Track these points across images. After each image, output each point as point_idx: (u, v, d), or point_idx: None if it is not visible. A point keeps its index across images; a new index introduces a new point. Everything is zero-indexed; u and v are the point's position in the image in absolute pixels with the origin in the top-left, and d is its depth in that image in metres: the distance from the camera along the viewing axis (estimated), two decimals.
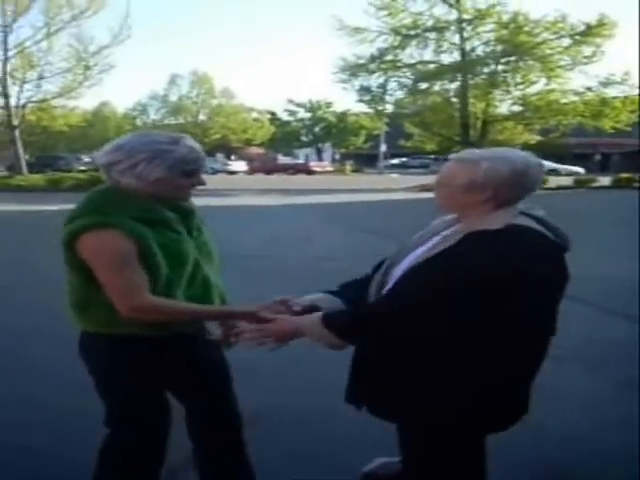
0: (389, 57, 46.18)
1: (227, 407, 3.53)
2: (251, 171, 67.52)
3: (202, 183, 3.14)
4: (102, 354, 3.20)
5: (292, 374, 6.05)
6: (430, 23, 45.04)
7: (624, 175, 42.45)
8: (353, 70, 46.79)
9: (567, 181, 40.40)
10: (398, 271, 2.94)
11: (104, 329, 3.11)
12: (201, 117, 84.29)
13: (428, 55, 46.22)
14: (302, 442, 4.75)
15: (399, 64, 46.47)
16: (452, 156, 2.92)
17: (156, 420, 3.34)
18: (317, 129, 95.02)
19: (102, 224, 2.93)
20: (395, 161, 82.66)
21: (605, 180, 41.38)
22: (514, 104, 47.02)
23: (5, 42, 44.67)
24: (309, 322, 2.89)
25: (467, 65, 44.37)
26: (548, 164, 57.76)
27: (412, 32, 44.95)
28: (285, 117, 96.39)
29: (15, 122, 45.86)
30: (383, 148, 72.41)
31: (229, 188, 36.63)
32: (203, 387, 3.43)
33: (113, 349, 3.14)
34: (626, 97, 43.37)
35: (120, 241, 2.91)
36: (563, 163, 62.22)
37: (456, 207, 2.88)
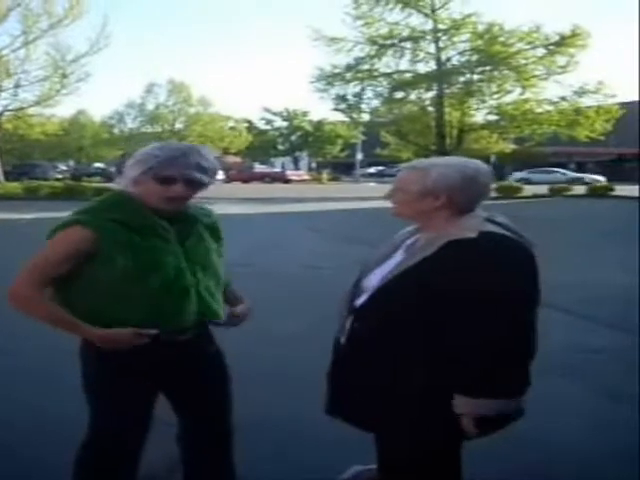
0: (365, 66, 46.31)
1: (218, 415, 3.52)
2: (228, 180, 67.34)
3: (180, 195, 3.09)
4: (84, 358, 3.27)
5: (270, 378, 6.12)
6: (406, 33, 45.23)
7: (599, 184, 42.80)
8: (330, 79, 46.87)
9: (542, 190, 40.57)
10: (371, 282, 3.00)
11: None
12: (178, 125, 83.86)
13: (404, 64, 46.47)
14: (288, 448, 4.78)
15: (375, 73, 46.61)
16: (404, 165, 3.05)
17: (129, 427, 3.31)
18: (294, 138, 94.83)
19: (72, 222, 3.04)
20: (371, 170, 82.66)
21: (580, 189, 41.60)
22: (489, 113, 47.28)
23: None
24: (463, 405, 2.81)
25: (443, 74, 44.57)
26: (572, 174, 58.13)
27: (388, 42, 45.12)
28: (262, 126, 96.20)
29: None
30: (360, 157, 72.44)
31: (206, 196, 36.39)
32: (191, 394, 3.45)
33: (90, 353, 3.20)
34: (600, 106, 43.72)
35: (74, 236, 3.00)
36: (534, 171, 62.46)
37: (411, 213, 2.96)
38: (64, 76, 46.18)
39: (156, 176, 3.03)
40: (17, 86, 46.53)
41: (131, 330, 3.01)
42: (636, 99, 45.93)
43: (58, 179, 46.57)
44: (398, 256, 3.02)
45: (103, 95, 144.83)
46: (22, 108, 48.05)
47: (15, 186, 38.45)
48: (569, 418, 5.41)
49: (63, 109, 78.60)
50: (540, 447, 4.81)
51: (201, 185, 3.14)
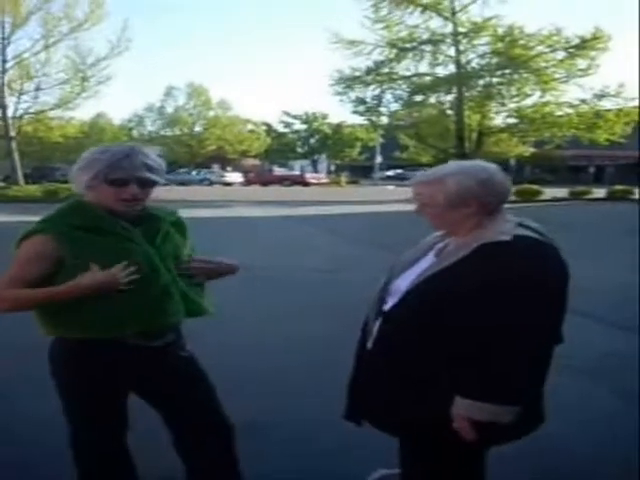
0: (385, 70, 46.16)
1: (203, 417, 3.52)
2: (247, 182, 67.40)
3: (135, 196, 3.14)
4: (53, 358, 3.34)
5: (288, 384, 6.08)
6: (426, 36, 45.05)
7: (618, 187, 42.51)
8: (349, 82, 46.78)
9: (562, 193, 40.41)
10: (399, 286, 2.98)
11: (50, 334, 3.27)
12: (197, 128, 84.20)
13: (424, 68, 46.28)
14: (300, 455, 4.75)
15: (395, 76, 46.46)
16: (414, 180, 3.00)
17: (101, 426, 3.40)
18: (312, 141, 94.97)
19: (37, 231, 3.10)
20: (390, 173, 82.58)
21: (600, 192, 41.39)
22: (509, 116, 47.06)
23: (3, 54, 44.81)
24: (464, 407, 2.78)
25: (462, 78, 44.37)
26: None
27: (408, 45, 44.95)
28: (281, 129, 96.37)
29: (12, 133, 45.87)
30: (379, 160, 72.39)
31: (225, 199, 36.63)
32: (169, 396, 3.46)
33: (61, 353, 3.29)
34: (620, 109, 43.43)
35: (38, 245, 3.07)
36: (556, 175, 62.24)
37: (447, 224, 2.94)
38: (84, 79, 46.37)
39: (107, 179, 3.08)
40: (37, 89, 46.79)
41: (106, 272, 3.02)
42: None
43: None
44: (428, 259, 3.01)
45: (123, 98, 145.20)
46: (42, 111, 48.25)
47: (34, 189, 38.64)
48: (588, 421, 5.37)
49: (83, 112, 79.17)
50: (556, 450, 4.74)
51: (152, 184, 3.19)
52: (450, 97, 46.37)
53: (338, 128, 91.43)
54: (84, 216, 3.15)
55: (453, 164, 3.01)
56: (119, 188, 3.10)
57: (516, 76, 44.08)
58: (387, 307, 2.99)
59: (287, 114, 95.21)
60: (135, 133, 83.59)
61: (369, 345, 3.04)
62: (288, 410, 5.50)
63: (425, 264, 2.96)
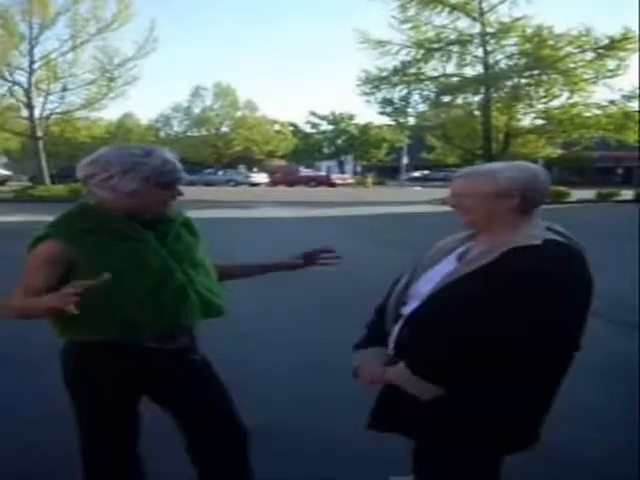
0: (412, 70, 46.02)
1: (217, 422, 3.46)
2: (273, 183, 67.57)
3: (180, 194, 3.17)
4: (66, 361, 3.31)
5: (303, 386, 6.05)
6: (453, 36, 44.89)
7: None
8: (376, 83, 46.69)
9: (590, 194, 40.16)
10: (421, 290, 2.94)
11: (64, 337, 3.25)
12: (224, 129, 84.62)
13: (451, 68, 46.09)
14: (304, 463, 4.71)
15: (422, 77, 46.31)
16: (463, 172, 3.00)
17: (111, 430, 3.35)
18: (339, 141, 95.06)
19: (46, 236, 3.08)
20: (417, 174, 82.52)
21: (628, 194, 41.08)
22: (537, 118, 46.81)
23: (31, 54, 45.11)
24: (395, 372, 2.86)
25: (490, 78, 44.19)
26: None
27: (435, 45, 44.81)
28: (307, 129, 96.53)
29: (39, 133, 46.22)
30: (405, 161, 72.35)
31: (251, 200, 36.73)
32: (183, 405, 3.41)
33: (73, 356, 3.27)
34: None
35: (49, 249, 3.04)
36: (584, 176, 61.88)
37: (483, 217, 2.89)
38: (111, 80, 46.66)
39: (159, 182, 3.04)
40: (64, 89, 47.07)
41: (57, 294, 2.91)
42: None
43: None
44: (450, 263, 2.97)
45: (150, 98, 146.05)
46: (69, 111, 48.56)
47: (60, 189, 38.88)
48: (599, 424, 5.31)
49: (110, 112, 79.58)
50: (564, 454, 4.69)
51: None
52: (477, 98, 46.19)
53: (365, 129, 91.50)
54: (94, 219, 3.11)
55: (498, 163, 3.04)
56: (166, 191, 3.10)
57: (544, 77, 43.84)
58: (407, 311, 2.96)
59: (314, 114, 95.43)
60: (162, 133, 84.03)
61: (389, 350, 3.00)
62: (301, 414, 5.47)
63: (447, 268, 2.93)
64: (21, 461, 4.69)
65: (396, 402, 2.91)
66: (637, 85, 42.42)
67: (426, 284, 2.94)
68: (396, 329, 2.99)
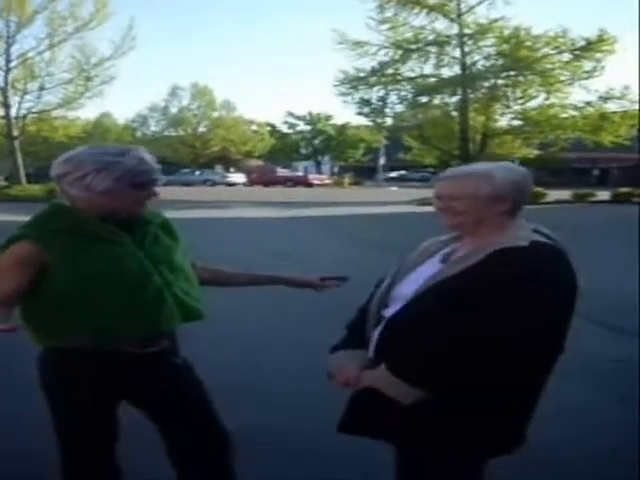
0: (390, 70, 46.09)
1: (201, 427, 3.41)
2: (250, 183, 67.49)
3: (154, 195, 3.10)
4: (42, 368, 3.25)
5: (289, 389, 6.04)
6: (431, 37, 44.99)
7: (623, 190, 42.29)
8: (354, 83, 46.74)
9: (566, 195, 40.32)
10: (403, 292, 2.90)
11: (40, 343, 3.18)
12: (201, 129, 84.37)
13: (429, 69, 46.20)
14: (288, 463, 4.69)
15: (399, 77, 46.38)
16: (450, 174, 2.93)
17: (89, 436, 3.29)
18: (316, 142, 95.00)
19: (19, 237, 3.00)
20: (394, 174, 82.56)
21: (604, 195, 41.27)
22: (514, 118, 47.01)
23: (7, 53, 44.85)
24: (375, 375, 2.80)
25: (467, 79, 44.33)
26: None
27: (413, 46, 44.90)
28: (285, 129, 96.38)
29: (15, 133, 45.94)
30: (382, 161, 72.44)
31: (228, 200, 36.63)
32: (163, 408, 3.37)
33: (49, 362, 3.20)
34: (625, 112, 43.37)
35: (21, 250, 2.96)
36: (560, 177, 62.17)
37: (473, 220, 2.83)
38: (88, 79, 46.50)
39: (133, 182, 2.98)
40: (41, 89, 46.89)
41: None
42: None
43: None
44: (433, 265, 2.92)
45: (127, 98, 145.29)
46: (46, 110, 48.34)
47: (37, 188, 38.69)
48: (589, 427, 5.32)
49: (87, 112, 79.07)
50: (556, 456, 4.69)
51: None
52: (455, 99, 46.33)
53: (342, 129, 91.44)
54: (68, 220, 3.04)
55: (483, 163, 2.99)
56: (141, 191, 3.03)
57: (521, 78, 44.05)
58: (389, 313, 2.91)
59: (291, 115, 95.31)
60: (139, 133, 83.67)
61: (370, 353, 2.95)
62: (290, 417, 5.44)
63: (430, 270, 2.88)
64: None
65: (371, 405, 2.85)
66: (612, 87, 42.80)
67: (409, 286, 2.90)
68: (377, 332, 2.93)
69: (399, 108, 49.21)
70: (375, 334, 2.94)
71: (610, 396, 6.13)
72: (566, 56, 43.09)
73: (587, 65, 42.70)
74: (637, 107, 42.06)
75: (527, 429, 2.89)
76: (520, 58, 42.37)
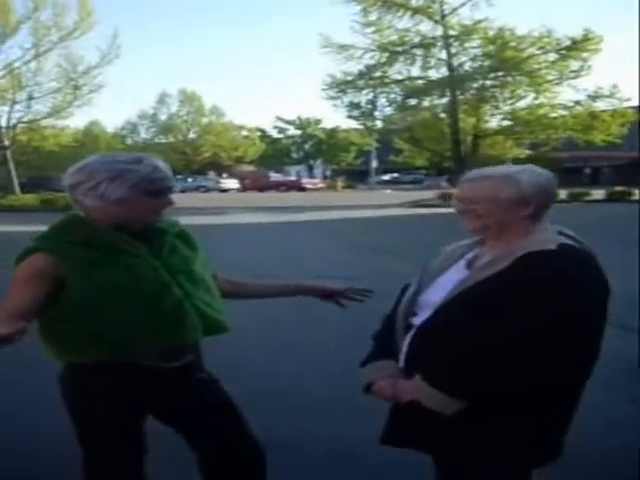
0: (377, 73, 46.31)
1: (233, 442, 3.30)
2: (243, 189, 67.50)
3: (170, 203, 3.01)
4: (64, 384, 3.16)
5: (297, 395, 6.00)
6: (417, 39, 45.22)
7: (618, 188, 42.35)
8: (341, 87, 46.90)
9: (561, 195, 40.36)
10: (431, 299, 2.83)
11: (60, 360, 3.10)
12: (191, 135, 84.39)
13: (416, 71, 46.46)
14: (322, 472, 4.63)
15: (387, 80, 46.61)
16: (474, 175, 2.84)
17: (116, 452, 3.20)
18: (307, 146, 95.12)
19: (34, 249, 2.93)
20: (386, 177, 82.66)
21: (598, 193, 41.29)
22: (504, 119, 47.18)
23: None
24: (413, 388, 2.72)
25: (455, 81, 44.48)
26: None
27: (399, 48, 45.12)
28: (275, 134, 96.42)
29: (6, 142, 45.87)
30: (374, 164, 72.51)
31: (222, 206, 36.57)
32: (189, 420, 3.26)
33: (71, 379, 3.12)
34: (615, 110, 43.55)
35: (37, 262, 2.89)
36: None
37: (497, 224, 2.76)
38: (76, 87, 46.57)
39: (147, 190, 2.89)
40: (30, 98, 46.87)
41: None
42: None
43: None
44: (459, 271, 2.85)
45: (115, 106, 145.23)
46: (35, 120, 48.33)
47: (31, 198, 38.65)
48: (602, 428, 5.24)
49: (76, 120, 79.02)
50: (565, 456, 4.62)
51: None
52: (444, 100, 46.44)
53: (333, 133, 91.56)
54: (84, 231, 2.96)
55: (507, 166, 2.90)
56: (156, 199, 2.93)
57: (509, 78, 44.35)
58: (419, 321, 2.84)
59: (280, 119, 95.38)
60: (129, 141, 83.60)
61: (401, 363, 2.87)
62: (300, 423, 5.35)
63: (457, 276, 2.81)
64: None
65: (412, 417, 2.78)
66: (600, 85, 43.02)
67: (436, 292, 2.83)
68: (407, 340, 2.86)
69: (388, 111, 49.42)
70: (405, 342, 2.86)
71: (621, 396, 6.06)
72: (552, 56, 43.44)
73: (574, 64, 43.05)
74: (627, 105, 42.28)
75: (564, 438, 2.81)
76: (506, 59, 42.63)
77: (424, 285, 2.93)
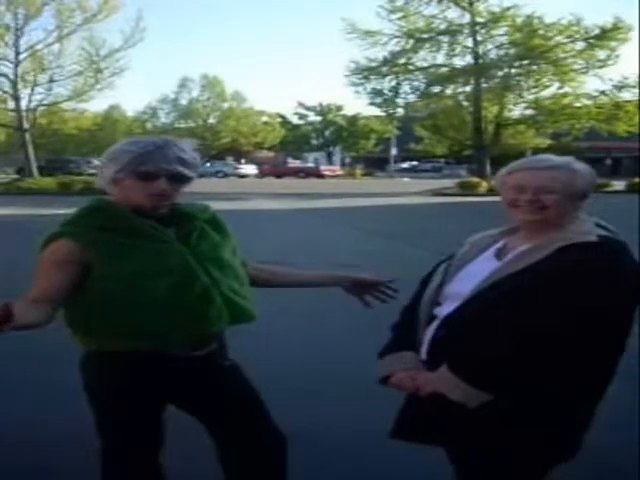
0: (402, 60, 46.08)
1: (254, 431, 3.25)
2: (261, 175, 67.51)
3: (164, 191, 2.87)
4: (85, 370, 3.13)
5: (309, 386, 5.92)
6: (443, 26, 44.94)
7: (638, 179, 41.91)
8: (365, 73, 46.70)
9: None
10: (457, 289, 2.74)
11: (84, 345, 3.05)
12: (211, 120, 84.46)
13: (441, 58, 46.15)
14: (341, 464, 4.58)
15: (411, 67, 46.36)
16: (539, 162, 2.72)
17: (135, 442, 3.16)
18: (327, 133, 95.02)
19: (59, 234, 2.88)
20: (405, 165, 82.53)
21: (619, 185, 40.95)
22: (527, 108, 46.86)
23: (16, 45, 44.88)
24: (437, 379, 2.63)
25: (480, 69, 44.19)
26: None
27: (425, 35, 44.82)
28: (295, 120, 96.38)
29: (26, 125, 45.96)
30: (394, 152, 72.37)
31: (239, 192, 36.56)
32: (213, 413, 3.22)
33: (94, 365, 3.07)
34: None
35: (61, 248, 2.84)
36: None
37: (556, 216, 2.66)
38: (98, 71, 46.55)
39: (135, 172, 2.83)
40: (51, 81, 47.00)
41: None
42: None
43: (91, 174, 46.65)
44: (489, 260, 2.76)
45: (137, 90, 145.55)
46: (56, 103, 48.47)
47: (49, 181, 38.80)
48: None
49: (96, 104, 79.19)
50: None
51: (185, 179, 2.93)
52: (467, 88, 46.16)
53: (353, 120, 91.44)
54: (109, 216, 2.89)
55: (555, 157, 2.77)
56: (147, 182, 2.84)
57: (534, 67, 43.95)
58: (444, 311, 2.74)
59: (302, 105, 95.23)
60: (149, 125, 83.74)
61: (423, 355, 2.77)
62: (314, 415, 5.27)
63: (487, 267, 2.71)
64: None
65: (429, 409, 2.69)
66: (626, 75, 42.53)
67: (463, 283, 2.74)
68: (430, 331, 2.77)
69: (411, 98, 49.16)
70: (428, 334, 2.76)
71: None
72: (580, 44, 42.94)
73: (601, 54, 42.57)
74: None
75: (585, 434, 2.74)
76: (533, 47, 42.24)
77: (448, 276, 2.84)
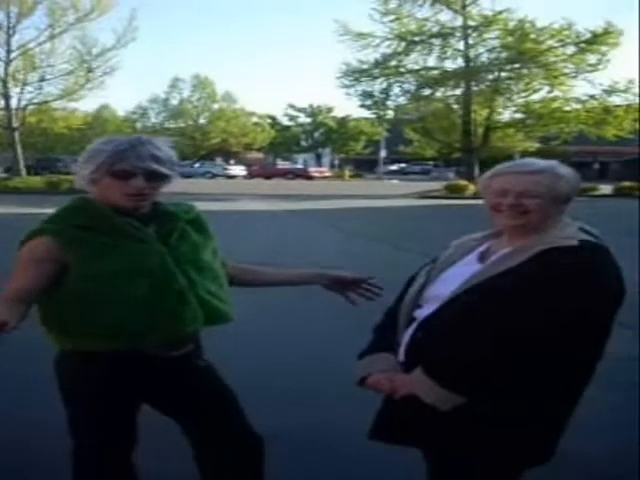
0: (393, 63, 46.16)
1: (229, 431, 3.25)
2: (250, 176, 67.51)
3: (141, 190, 2.86)
4: (60, 370, 3.11)
5: (293, 387, 5.92)
6: (435, 29, 45.05)
7: (626, 184, 42.12)
8: (356, 75, 46.75)
9: None
10: (438, 292, 2.74)
11: (58, 345, 3.04)
12: (201, 121, 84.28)
13: (432, 61, 46.25)
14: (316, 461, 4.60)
15: (402, 70, 46.44)
16: (523, 166, 2.72)
17: (108, 442, 3.14)
18: (317, 134, 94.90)
19: (39, 232, 2.88)
20: (394, 167, 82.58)
21: (606, 189, 41.13)
22: (516, 111, 46.99)
23: (8, 44, 44.88)
24: (411, 381, 2.63)
25: (471, 72, 44.30)
26: None
27: (417, 38, 44.94)
28: (285, 122, 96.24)
29: (15, 124, 45.83)
30: (383, 154, 72.43)
31: (228, 192, 36.55)
32: (187, 408, 3.21)
33: (69, 365, 3.06)
34: (629, 105, 43.31)
35: (40, 245, 2.84)
36: None
37: (538, 220, 2.66)
38: (89, 70, 46.50)
39: (110, 171, 2.83)
40: (42, 80, 46.97)
41: None
42: None
43: None
44: (471, 264, 2.76)
45: (127, 89, 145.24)
46: (46, 102, 48.33)
47: (37, 180, 38.76)
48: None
49: (87, 103, 79.04)
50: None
51: (162, 177, 2.91)
52: (458, 91, 46.26)
53: (343, 121, 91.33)
54: (91, 215, 2.89)
55: (539, 160, 2.77)
56: (123, 181, 2.83)
57: (525, 71, 44.05)
58: (423, 314, 2.75)
59: (292, 107, 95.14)
60: (139, 125, 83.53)
61: (400, 357, 2.78)
62: (294, 415, 5.27)
63: (468, 270, 2.71)
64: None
65: (405, 411, 2.69)
66: (616, 80, 42.72)
67: (444, 286, 2.73)
68: (408, 333, 2.77)
69: (401, 100, 49.24)
70: (406, 336, 2.77)
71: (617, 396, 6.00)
72: (571, 49, 43.09)
73: (591, 58, 42.74)
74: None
75: (559, 439, 2.73)
76: (524, 51, 42.38)
77: (430, 279, 2.84)
